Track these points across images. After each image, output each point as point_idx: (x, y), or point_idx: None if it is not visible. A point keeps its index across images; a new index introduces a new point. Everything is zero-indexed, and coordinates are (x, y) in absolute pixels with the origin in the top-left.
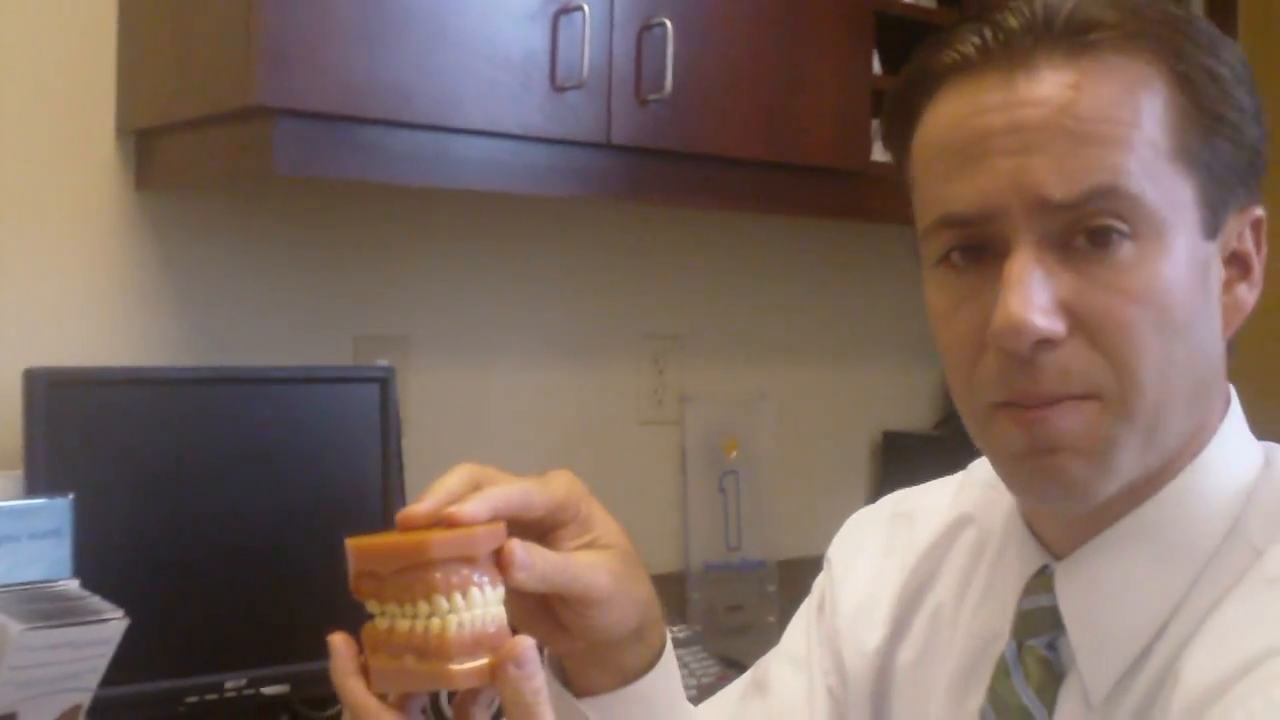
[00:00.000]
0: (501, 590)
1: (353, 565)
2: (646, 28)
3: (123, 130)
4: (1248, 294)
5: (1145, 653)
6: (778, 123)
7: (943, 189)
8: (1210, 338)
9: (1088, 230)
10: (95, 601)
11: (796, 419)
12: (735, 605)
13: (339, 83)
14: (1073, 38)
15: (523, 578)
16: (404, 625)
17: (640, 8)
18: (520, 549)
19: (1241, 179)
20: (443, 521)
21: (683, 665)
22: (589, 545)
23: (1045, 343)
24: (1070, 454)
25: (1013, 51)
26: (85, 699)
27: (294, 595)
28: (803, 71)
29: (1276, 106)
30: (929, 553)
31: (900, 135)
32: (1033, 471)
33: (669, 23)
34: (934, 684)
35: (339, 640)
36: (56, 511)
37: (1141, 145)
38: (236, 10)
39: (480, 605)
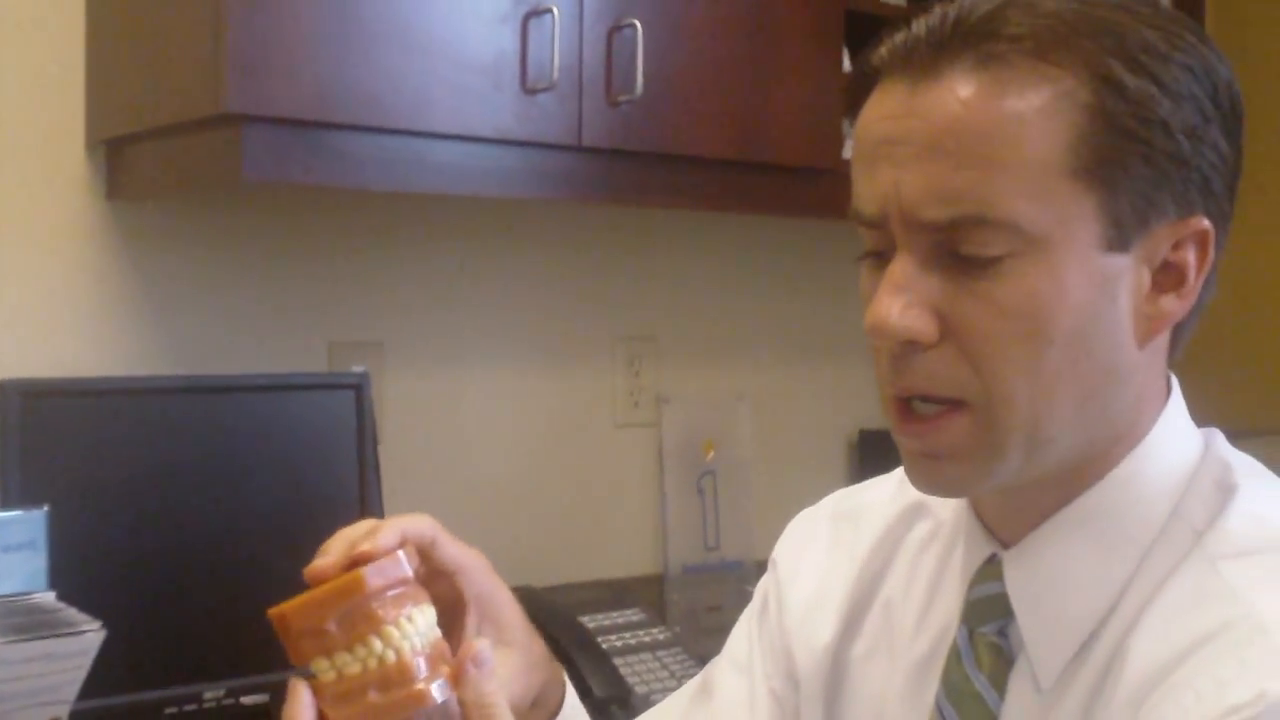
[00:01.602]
0: (431, 608)
1: (292, 628)
2: (616, 29)
3: (92, 140)
4: (1175, 303)
5: (1093, 637)
6: (749, 122)
7: (856, 186)
8: (1110, 345)
9: (956, 253)
10: (72, 614)
11: (773, 419)
12: (714, 606)
13: (308, 89)
14: (980, 45)
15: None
16: (354, 669)
17: (609, 9)
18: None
19: (1171, 191)
20: (356, 562)
21: (663, 667)
22: (492, 629)
23: (912, 344)
24: (948, 460)
25: (916, 58)
26: (63, 712)
27: (270, 604)
28: (773, 70)
29: (1260, 128)
30: (878, 547)
31: (853, 128)
32: (919, 470)
33: (638, 24)
34: (890, 675)
35: (303, 692)
36: (32, 524)
37: (1021, 166)
38: (205, 18)
39: (422, 625)
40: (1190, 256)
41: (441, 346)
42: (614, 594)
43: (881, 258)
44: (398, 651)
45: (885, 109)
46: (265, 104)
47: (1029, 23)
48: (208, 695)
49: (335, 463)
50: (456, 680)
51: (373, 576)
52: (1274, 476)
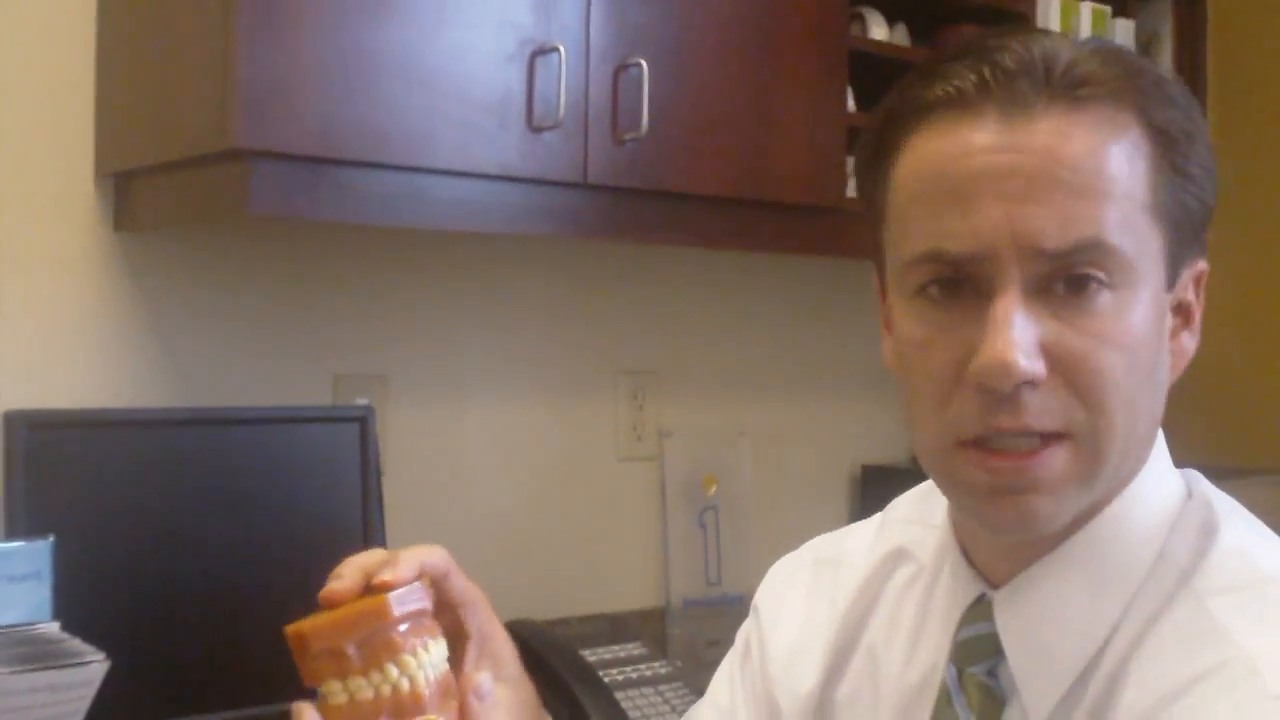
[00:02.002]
0: (443, 641)
1: (312, 646)
2: (622, 67)
3: (101, 173)
4: (1190, 341)
5: (1083, 676)
6: (754, 161)
7: (934, 224)
8: (1163, 381)
9: (1068, 278)
10: (76, 644)
11: (775, 454)
12: (715, 640)
13: (316, 125)
14: (1069, 89)
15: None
16: (367, 694)
17: (616, 48)
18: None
19: (1197, 234)
20: (375, 589)
21: (664, 701)
22: (490, 665)
23: (1027, 383)
24: (1042, 494)
25: (1012, 93)
26: None
27: (275, 636)
28: (778, 109)
29: (1247, 154)
30: (861, 594)
31: (879, 163)
32: (1002, 509)
33: (644, 63)
34: (875, 718)
35: (310, 713)
36: (36, 554)
37: (1122, 199)
38: (214, 54)
39: (435, 656)
40: (1194, 296)
41: (445, 380)
42: (615, 627)
43: (951, 289)
44: (412, 680)
45: (977, 143)
46: (273, 140)
47: (1102, 70)
48: None
49: (339, 495)
50: (462, 714)
51: (396, 604)
52: (1251, 515)
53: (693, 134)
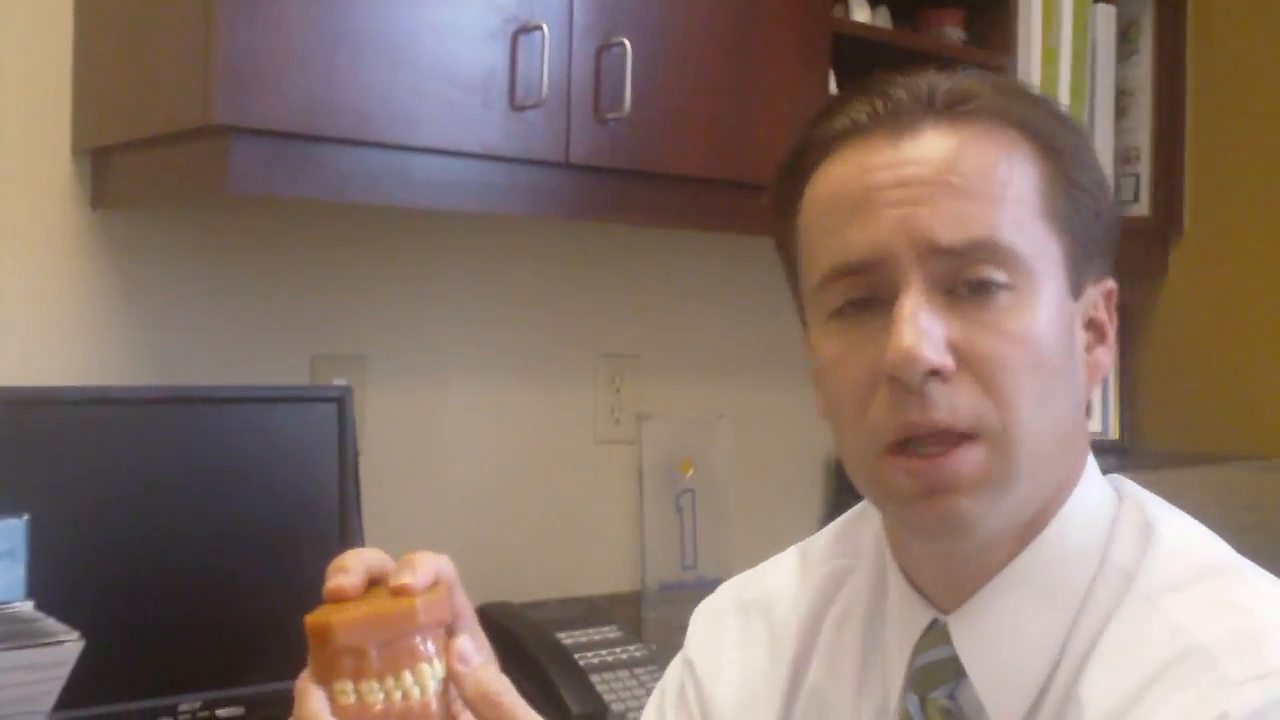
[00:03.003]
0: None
1: (335, 641)
2: (605, 47)
3: (78, 149)
4: (1105, 356)
5: (1046, 685)
6: (736, 141)
7: (836, 241)
8: (1077, 389)
9: (968, 281)
10: (50, 624)
11: (752, 439)
12: None
13: (297, 102)
14: (953, 108)
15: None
16: (376, 698)
17: (599, 27)
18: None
19: (1099, 248)
20: (395, 592)
21: (640, 684)
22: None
23: (935, 375)
24: (963, 494)
25: (900, 118)
26: None
27: (250, 617)
28: (760, 91)
29: (1226, 142)
30: (800, 636)
31: (788, 200)
32: (925, 511)
33: (628, 42)
34: None
35: (318, 696)
36: (11, 533)
37: (1014, 203)
38: (195, 30)
39: (441, 670)
40: (1104, 314)
41: (424, 361)
42: (591, 611)
43: (866, 305)
44: (424, 691)
45: (870, 163)
46: (253, 116)
47: (989, 90)
48: (183, 707)
49: (316, 475)
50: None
51: (424, 611)
52: (1179, 510)
53: (675, 114)
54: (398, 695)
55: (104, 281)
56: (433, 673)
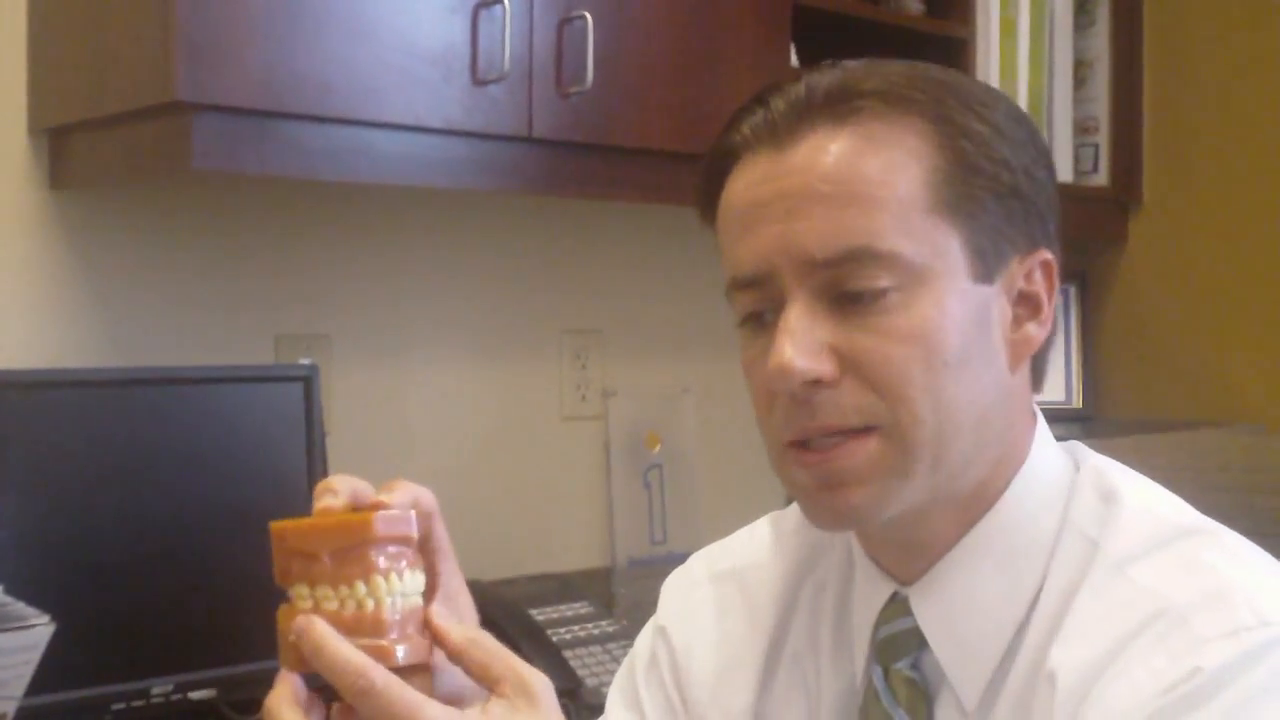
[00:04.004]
0: (421, 577)
1: (288, 544)
2: (566, 20)
3: (35, 128)
4: (1037, 330)
5: (1009, 652)
6: (698, 114)
7: (730, 254)
8: (992, 371)
9: (846, 293)
10: (20, 608)
11: (719, 411)
12: None
13: (258, 77)
14: (834, 107)
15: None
16: (331, 605)
17: (560, 1)
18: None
19: (1019, 226)
20: (368, 508)
21: (612, 659)
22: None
23: (816, 383)
24: (853, 487)
25: (777, 128)
26: (10, 707)
27: (219, 598)
28: (722, 63)
29: (1183, 121)
30: (779, 604)
31: (708, 207)
32: (820, 504)
33: (589, 15)
34: None
35: (292, 682)
36: None
37: (894, 204)
38: (154, 5)
39: (409, 587)
40: (1041, 287)
41: (389, 339)
42: (561, 587)
43: (761, 320)
44: (378, 603)
45: (753, 178)
46: (215, 92)
47: (875, 81)
48: (155, 690)
49: (283, 455)
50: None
51: (381, 525)
52: (1137, 474)
53: (637, 88)
54: (351, 604)
55: (64, 263)
56: (389, 587)
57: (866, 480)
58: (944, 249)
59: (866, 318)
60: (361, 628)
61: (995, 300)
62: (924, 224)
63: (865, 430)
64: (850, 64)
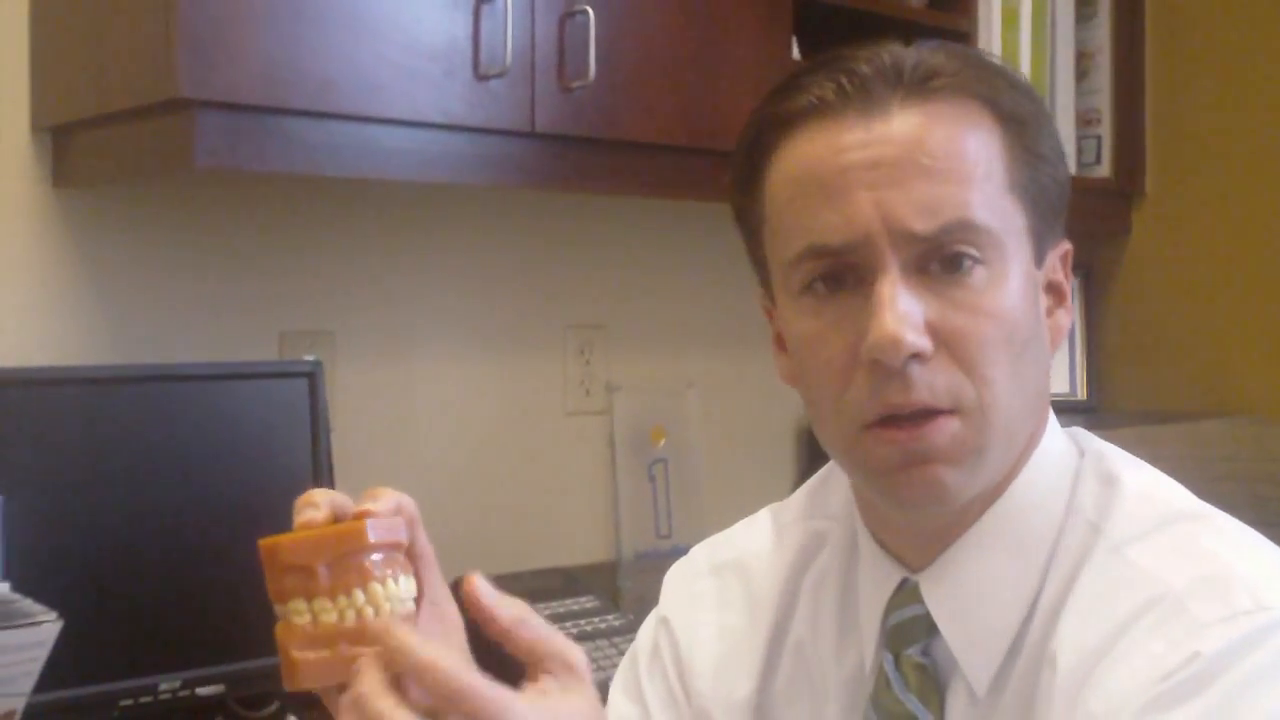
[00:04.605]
0: (414, 581)
1: (282, 560)
2: (568, 15)
3: (37, 127)
4: (1065, 318)
5: (1018, 639)
6: (699, 108)
7: (809, 221)
8: (1043, 354)
9: (943, 258)
10: (27, 604)
11: (722, 406)
12: None
13: (260, 74)
14: (919, 84)
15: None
16: (330, 617)
17: None
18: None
19: (1057, 214)
20: (355, 517)
21: (618, 652)
22: (438, 628)
23: (916, 357)
24: (942, 465)
25: (868, 95)
26: (19, 704)
27: (227, 594)
28: (724, 57)
29: (1186, 114)
30: (780, 594)
31: (751, 175)
32: (908, 483)
33: (590, 10)
34: (816, 712)
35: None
36: None
37: (983, 180)
38: (155, 2)
39: (403, 591)
40: (1062, 275)
41: (393, 336)
42: (567, 582)
43: (835, 283)
44: (377, 610)
45: (841, 142)
46: (217, 89)
47: (949, 64)
48: (163, 687)
49: (288, 451)
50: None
51: (374, 531)
52: (1138, 460)
53: (639, 82)
54: (351, 614)
55: (67, 261)
56: (385, 593)
57: (953, 460)
58: (1016, 228)
59: (957, 292)
60: (364, 637)
61: (1040, 286)
62: (1003, 202)
63: (948, 412)
64: (918, 44)
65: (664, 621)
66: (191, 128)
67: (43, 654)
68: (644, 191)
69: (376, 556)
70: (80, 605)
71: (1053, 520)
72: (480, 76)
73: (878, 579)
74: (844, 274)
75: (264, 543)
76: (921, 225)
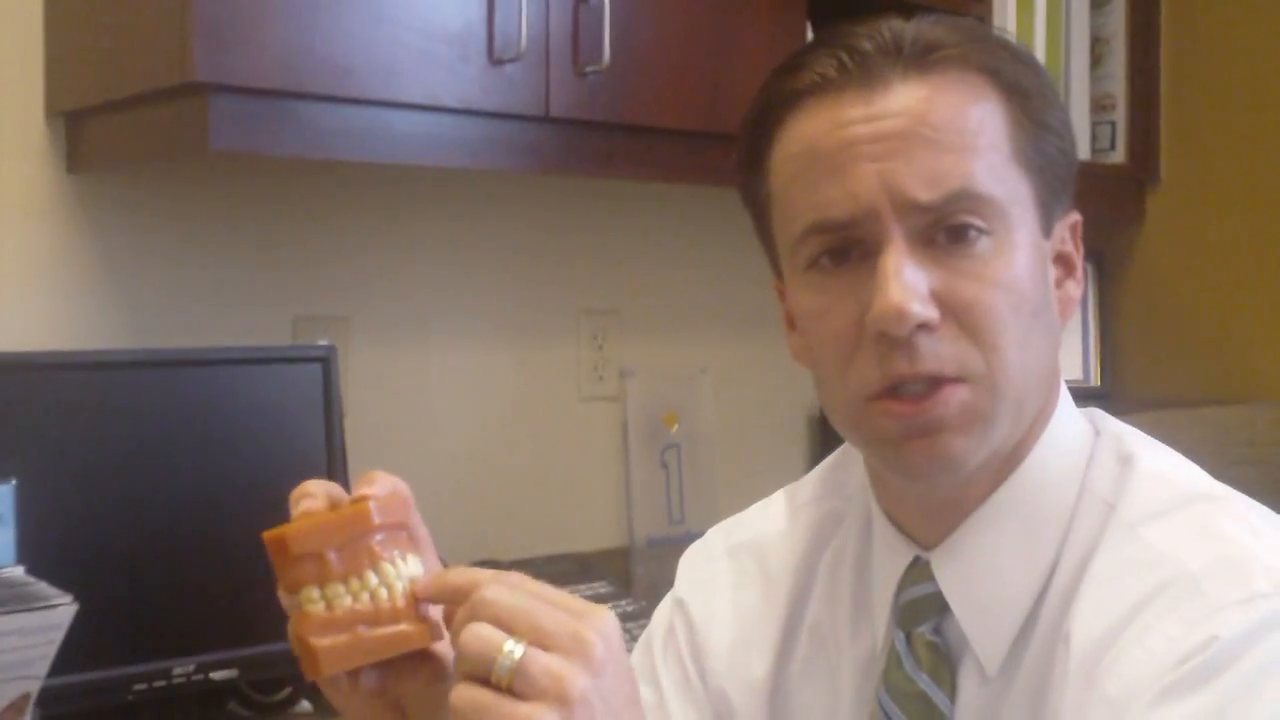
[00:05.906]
0: (418, 558)
1: (291, 551)
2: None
3: (52, 111)
4: (1075, 289)
5: (1031, 618)
6: (714, 93)
7: (814, 197)
8: (1053, 325)
9: (948, 228)
10: (42, 588)
11: (736, 392)
12: None
13: (276, 58)
14: (920, 58)
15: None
16: (345, 601)
17: None
18: None
19: (1064, 184)
20: (355, 502)
21: (631, 638)
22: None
23: (922, 327)
24: (950, 433)
25: (869, 71)
26: (34, 687)
27: (240, 579)
28: (739, 42)
29: (1200, 100)
30: (796, 575)
31: (756, 155)
32: (915, 452)
33: None
34: (832, 691)
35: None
36: None
37: (986, 149)
38: None
39: (414, 569)
40: (1072, 247)
41: (406, 320)
42: (579, 567)
43: (840, 257)
44: (390, 590)
45: (844, 117)
46: (232, 73)
47: (950, 36)
48: (177, 671)
49: (302, 436)
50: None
51: (378, 512)
52: (1154, 440)
53: (654, 67)
54: (365, 596)
55: (82, 245)
56: (396, 572)
57: (961, 428)
58: (1022, 198)
59: (962, 262)
60: (380, 616)
61: (1048, 256)
62: (1008, 172)
63: (957, 379)
64: (918, 18)
65: (679, 603)
66: (206, 112)
67: (58, 637)
68: (658, 176)
69: (382, 537)
70: (94, 589)
71: (1066, 498)
72: (495, 61)
73: (890, 557)
74: (849, 248)
75: (269, 535)
76: (925, 195)
